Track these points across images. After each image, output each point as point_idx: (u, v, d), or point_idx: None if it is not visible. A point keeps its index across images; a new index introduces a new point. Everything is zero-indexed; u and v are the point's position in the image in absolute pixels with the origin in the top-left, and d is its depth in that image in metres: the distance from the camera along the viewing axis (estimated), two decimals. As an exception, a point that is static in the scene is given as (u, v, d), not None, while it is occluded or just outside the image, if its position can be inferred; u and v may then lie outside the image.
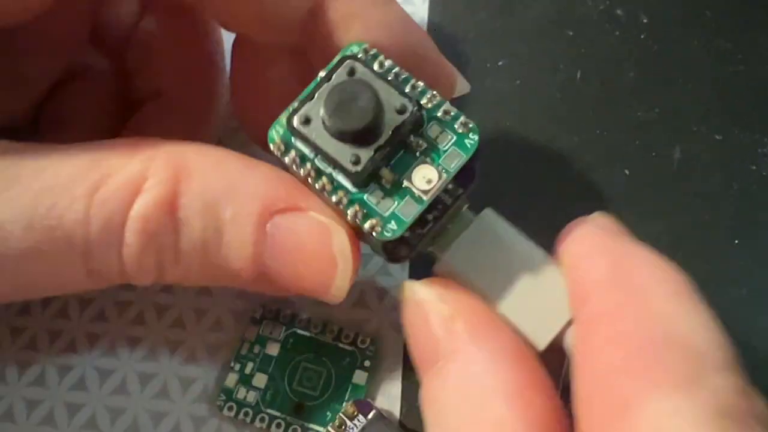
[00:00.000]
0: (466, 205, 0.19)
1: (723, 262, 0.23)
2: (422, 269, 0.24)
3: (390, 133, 0.17)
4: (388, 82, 0.18)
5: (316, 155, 0.17)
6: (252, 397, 0.22)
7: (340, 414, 0.21)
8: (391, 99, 0.17)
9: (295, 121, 0.17)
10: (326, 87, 0.17)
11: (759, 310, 0.23)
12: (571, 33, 0.27)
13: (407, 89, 0.18)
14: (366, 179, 0.17)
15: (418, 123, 0.17)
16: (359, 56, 0.18)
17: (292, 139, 0.18)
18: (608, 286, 0.15)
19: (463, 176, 0.17)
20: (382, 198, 0.17)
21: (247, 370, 0.22)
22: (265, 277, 0.18)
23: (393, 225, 0.17)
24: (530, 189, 0.23)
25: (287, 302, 0.23)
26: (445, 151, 0.17)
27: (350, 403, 0.21)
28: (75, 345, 0.23)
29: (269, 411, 0.21)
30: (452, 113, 0.18)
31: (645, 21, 0.27)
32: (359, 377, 0.22)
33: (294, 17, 0.19)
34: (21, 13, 0.18)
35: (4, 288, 0.18)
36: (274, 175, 0.18)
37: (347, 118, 0.17)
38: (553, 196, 0.24)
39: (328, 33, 0.19)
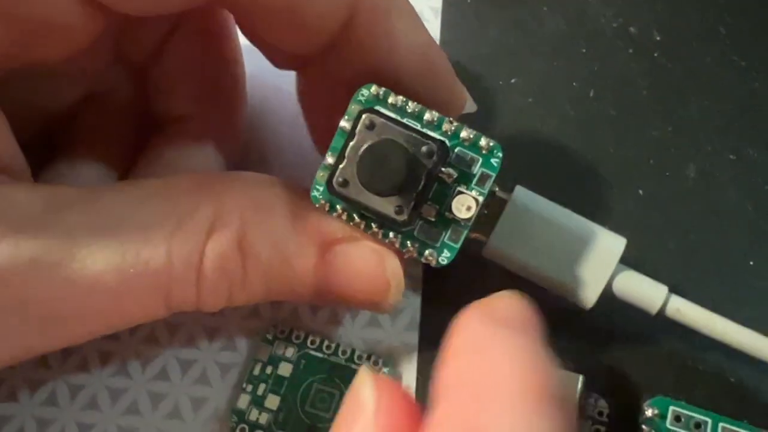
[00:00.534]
0: (497, 188, 0.20)
1: (737, 283, 0.23)
2: (434, 287, 0.24)
3: (424, 178, 0.18)
4: (410, 128, 0.18)
5: (359, 209, 0.19)
6: (264, 418, 0.22)
7: (354, 437, 0.20)
8: (417, 145, 0.18)
9: (335, 185, 0.18)
10: (354, 145, 0.18)
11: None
12: (584, 50, 0.27)
13: (426, 124, 0.19)
14: (412, 221, 0.19)
15: (445, 156, 0.18)
16: (372, 102, 0.19)
17: (334, 198, 0.19)
18: (454, 392, 0.15)
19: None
20: (430, 231, 0.19)
21: (260, 392, 0.22)
22: (323, 297, 0.20)
23: (446, 253, 0.19)
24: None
25: (300, 322, 0.23)
26: (475, 175, 0.19)
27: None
28: (87, 364, 0.23)
29: (282, 433, 0.21)
30: (472, 136, 0.19)
31: (658, 38, 0.27)
32: (372, 399, 0.22)
33: (326, 31, 0.19)
34: (60, 55, 0.19)
35: (98, 327, 0.19)
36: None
37: (383, 181, 0.18)
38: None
39: (355, 49, 0.19)
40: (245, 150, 0.25)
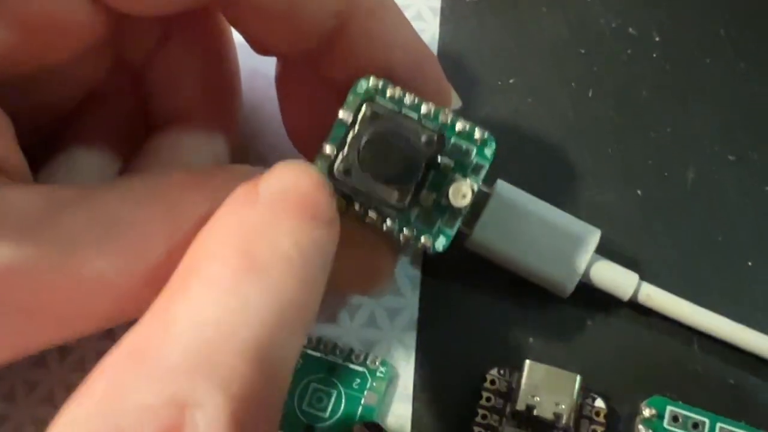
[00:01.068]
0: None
1: (736, 284, 0.23)
2: (432, 287, 0.24)
3: (424, 166, 0.19)
4: (409, 118, 0.19)
5: (358, 196, 0.19)
6: None
7: (351, 436, 0.21)
8: (418, 134, 0.19)
9: (337, 173, 0.19)
10: (356, 134, 0.19)
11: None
12: (583, 51, 0.27)
13: (424, 116, 0.19)
14: (409, 206, 0.19)
15: (441, 144, 0.19)
16: (372, 93, 0.19)
17: (333, 185, 0.19)
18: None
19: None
20: (426, 218, 0.19)
21: None
22: None
23: (442, 239, 0.19)
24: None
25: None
26: (470, 164, 0.19)
27: (360, 424, 0.21)
28: (84, 364, 0.23)
29: (279, 432, 0.21)
30: (467, 128, 0.19)
31: (657, 39, 0.27)
32: (370, 398, 0.22)
33: (320, 33, 0.20)
34: (65, 56, 0.19)
35: (99, 323, 0.19)
36: None
37: (387, 167, 0.18)
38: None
39: (349, 47, 0.20)
40: (242, 144, 0.25)
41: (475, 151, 0.19)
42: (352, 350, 0.22)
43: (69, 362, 0.23)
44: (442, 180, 0.19)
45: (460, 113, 0.20)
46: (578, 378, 0.21)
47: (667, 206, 0.24)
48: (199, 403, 0.14)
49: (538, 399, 0.21)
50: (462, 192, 0.19)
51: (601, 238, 0.22)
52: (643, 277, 0.23)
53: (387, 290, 0.22)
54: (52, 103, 0.22)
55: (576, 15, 0.28)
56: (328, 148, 0.19)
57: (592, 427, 0.21)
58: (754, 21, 0.27)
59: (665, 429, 0.21)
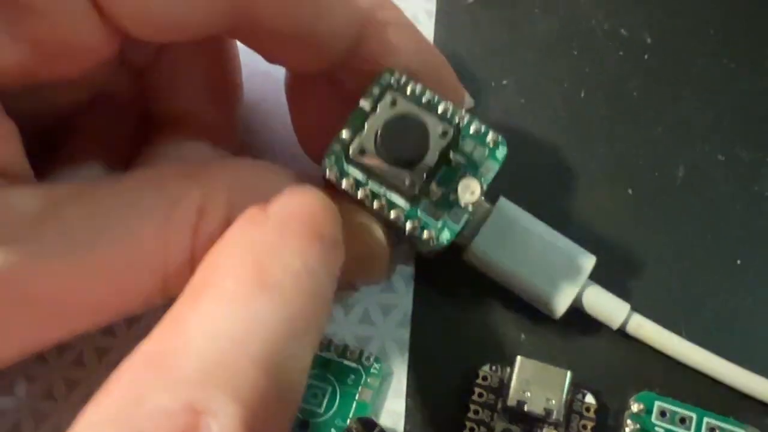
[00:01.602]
0: (483, 198, 0.21)
1: (724, 281, 0.24)
2: (425, 284, 0.24)
3: (437, 156, 0.19)
4: (429, 109, 0.20)
5: (369, 179, 0.20)
6: None
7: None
8: (435, 125, 0.19)
9: (352, 153, 0.19)
10: (375, 119, 0.19)
11: (759, 331, 0.23)
12: (575, 52, 0.27)
13: (441, 112, 0.20)
14: (419, 196, 0.20)
15: (456, 141, 0.20)
16: (393, 84, 0.20)
17: (347, 167, 0.20)
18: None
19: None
20: (434, 211, 0.20)
21: None
22: None
23: (446, 233, 0.20)
24: (533, 206, 0.23)
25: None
26: (482, 164, 0.20)
27: (354, 420, 0.21)
28: (83, 359, 0.24)
29: (274, 427, 0.22)
30: (482, 129, 0.20)
31: (649, 40, 0.27)
32: (364, 394, 0.22)
33: (338, 53, 0.20)
34: (76, 71, 0.20)
35: (101, 317, 0.19)
36: (312, 186, 0.20)
37: (403, 150, 0.19)
38: (556, 213, 0.24)
39: (366, 61, 0.20)
40: (241, 140, 0.26)
41: (487, 152, 0.20)
42: (346, 347, 0.23)
43: (67, 357, 0.24)
44: (452, 176, 0.20)
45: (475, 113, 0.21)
46: (569, 374, 0.21)
47: (658, 205, 0.25)
48: (214, 411, 0.14)
49: (529, 394, 0.21)
50: (471, 189, 0.20)
51: (592, 239, 0.23)
52: (632, 275, 0.23)
53: (383, 281, 0.22)
54: (56, 106, 0.23)
55: (568, 16, 0.28)
56: (345, 133, 0.20)
57: (582, 422, 0.21)
58: (744, 22, 0.27)
59: (653, 424, 0.21)
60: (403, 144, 0.19)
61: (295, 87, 0.24)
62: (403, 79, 0.20)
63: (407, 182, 0.19)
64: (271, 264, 0.16)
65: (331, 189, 0.20)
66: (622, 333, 0.23)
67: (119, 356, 0.23)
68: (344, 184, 0.20)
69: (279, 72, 0.23)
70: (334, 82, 0.22)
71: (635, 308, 0.22)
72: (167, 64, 0.24)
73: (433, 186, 0.20)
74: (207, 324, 0.15)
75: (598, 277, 0.22)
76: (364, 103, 0.20)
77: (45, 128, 0.23)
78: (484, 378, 0.22)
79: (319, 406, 0.22)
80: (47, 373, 0.23)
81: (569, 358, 0.23)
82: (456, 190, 0.20)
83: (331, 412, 0.22)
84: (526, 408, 0.21)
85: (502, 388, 0.22)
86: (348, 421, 0.21)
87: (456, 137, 0.20)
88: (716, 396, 0.22)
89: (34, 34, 0.17)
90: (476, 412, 0.22)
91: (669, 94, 0.26)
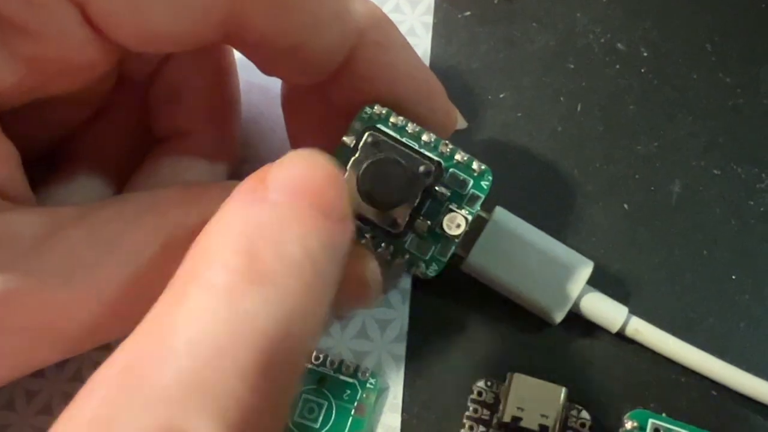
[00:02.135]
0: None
1: (720, 297, 0.24)
2: (422, 299, 0.24)
3: (420, 195, 0.20)
4: (410, 148, 0.20)
5: (358, 220, 0.20)
6: None
7: (341, 447, 0.21)
8: (416, 164, 0.20)
9: None
10: (357, 160, 0.20)
11: (756, 347, 0.23)
12: (572, 66, 0.27)
13: (424, 146, 0.20)
14: (405, 232, 0.20)
15: (440, 175, 0.20)
16: (375, 120, 0.20)
17: None
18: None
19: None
20: (420, 244, 0.20)
21: None
22: None
23: (434, 266, 0.20)
24: (530, 219, 0.23)
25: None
26: (466, 195, 0.20)
27: (350, 435, 0.21)
28: (82, 374, 0.24)
29: (271, 442, 0.22)
30: (465, 159, 0.20)
31: (645, 54, 0.27)
32: (360, 409, 0.22)
33: (330, 68, 0.20)
34: (74, 88, 0.20)
35: (102, 338, 0.19)
36: None
37: (384, 194, 0.19)
38: (552, 228, 0.24)
39: (359, 78, 0.20)
40: (241, 160, 0.26)
41: (472, 182, 0.20)
42: (342, 361, 0.23)
43: (67, 372, 0.24)
44: (438, 208, 0.20)
45: (459, 144, 0.20)
46: (563, 390, 0.21)
47: (653, 220, 0.25)
48: None
49: (524, 410, 0.21)
50: (456, 222, 0.20)
51: (588, 255, 0.23)
52: (629, 291, 0.23)
53: (377, 304, 0.23)
54: (55, 125, 0.23)
55: (565, 30, 0.28)
56: None
57: (577, 438, 0.22)
58: (740, 37, 0.27)
59: (647, 441, 0.21)
60: (383, 190, 0.19)
61: (290, 99, 0.24)
62: (384, 112, 0.20)
63: (391, 222, 0.20)
64: (264, 249, 0.14)
65: None
66: (619, 339, 0.23)
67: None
68: None
69: (276, 86, 0.24)
70: (329, 96, 0.22)
71: (630, 323, 0.23)
72: (167, 79, 0.24)
73: (419, 222, 0.20)
74: (188, 325, 0.14)
75: (594, 288, 0.23)
76: (347, 140, 0.20)
77: (45, 149, 0.23)
78: (480, 393, 0.22)
79: (315, 421, 0.22)
80: (46, 388, 0.24)
81: (564, 374, 0.23)
82: (442, 225, 0.20)
83: (327, 428, 0.22)
84: (521, 424, 0.21)
85: (497, 404, 0.22)
86: (344, 436, 0.22)
87: (439, 171, 0.20)
88: (713, 406, 0.22)
89: (30, 52, 0.17)
90: (471, 428, 0.22)
91: (665, 110, 0.27)
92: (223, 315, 0.14)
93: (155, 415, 0.13)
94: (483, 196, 0.20)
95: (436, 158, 0.20)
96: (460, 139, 0.22)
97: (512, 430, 0.21)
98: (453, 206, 0.20)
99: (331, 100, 0.21)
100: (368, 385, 0.23)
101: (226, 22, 0.18)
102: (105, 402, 0.13)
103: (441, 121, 0.21)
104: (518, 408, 0.21)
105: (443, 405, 0.23)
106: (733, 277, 0.24)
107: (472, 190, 0.20)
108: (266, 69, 0.21)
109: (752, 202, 0.25)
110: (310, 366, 0.23)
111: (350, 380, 0.23)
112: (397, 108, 0.20)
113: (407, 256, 0.20)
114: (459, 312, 0.24)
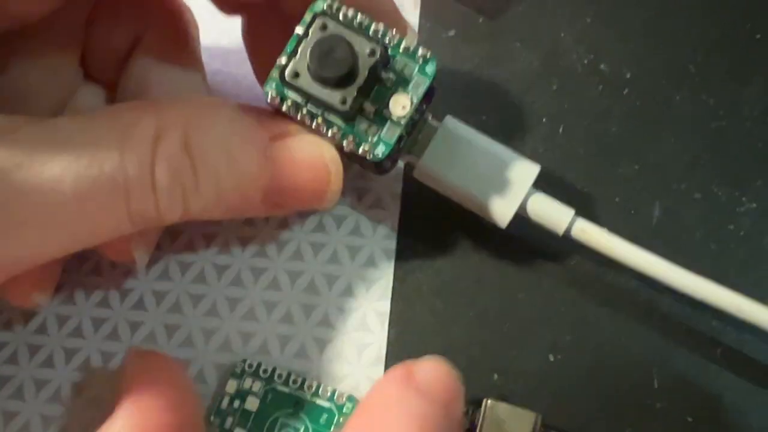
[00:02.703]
0: (430, 116, 0.23)
1: (698, 321, 0.24)
2: (399, 323, 0.24)
3: (366, 73, 0.21)
4: (357, 31, 0.21)
5: (307, 101, 0.21)
6: None
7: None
8: (362, 45, 0.21)
9: (287, 76, 0.21)
10: (307, 43, 0.21)
11: (733, 370, 0.23)
12: (555, 87, 0.27)
13: (371, 33, 0.21)
14: (353, 114, 0.21)
15: (386, 60, 0.21)
16: (326, 11, 0.21)
17: (285, 90, 0.21)
18: None
19: (425, 96, 0.22)
20: (368, 127, 0.21)
21: (227, 425, 0.23)
22: (271, 197, 0.22)
23: (381, 147, 0.21)
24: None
25: (269, 356, 0.24)
26: (412, 80, 0.21)
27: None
28: (81, 330, 0.24)
29: (247, 466, 0.22)
30: (411, 47, 0.22)
31: (628, 76, 0.27)
32: (336, 434, 0.22)
33: None
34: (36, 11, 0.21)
35: (64, 237, 0.20)
36: (267, 112, 0.22)
37: (331, 68, 0.21)
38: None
39: None
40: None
41: (417, 68, 0.21)
42: (319, 385, 0.23)
43: (74, 362, 0.25)
44: (385, 94, 0.21)
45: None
46: (538, 416, 0.21)
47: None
48: None
49: (500, 437, 0.21)
50: (402, 104, 0.21)
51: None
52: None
53: (335, 203, 0.23)
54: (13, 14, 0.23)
55: (549, 51, 0.28)
56: (282, 59, 0.21)
57: (551, 465, 0.22)
58: (723, 59, 0.27)
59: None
60: (330, 63, 0.20)
61: (250, 31, 0.25)
62: (336, 5, 0.21)
63: (338, 99, 0.21)
64: None
65: (277, 115, 0.22)
66: (568, 240, 0.23)
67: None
68: (284, 107, 0.21)
69: (250, 78, 0.26)
70: (284, 16, 0.23)
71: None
72: (135, 72, 0.25)
73: (367, 104, 0.21)
74: None
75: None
76: (299, 30, 0.21)
77: None
78: (455, 419, 0.22)
79: None
80: (55, 377, 0.24)
81: (541, 399, 0.23)
82: (388, 106, 0.21)
83: (303, 452, 0.22)
84: (496, 451, 0.21)
85: (473, 429, 0.22)
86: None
87: (384, 55, 0.21)
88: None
89: None
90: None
91: (647, 131, 0.26)
92: None
93: None
94: (427, 81, 0.21)
95: (382, 43, 0.21)
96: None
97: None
98: (399, 90, 0.21)
99: (287, 14, 0.22)
100: (345, 410, 0.23)
101: None
102: None
103: (387, 19, 0.22)
104: (493, 435, 0.21)
105: (419, 430, 0.23)
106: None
107: (418, 75, 0.21)
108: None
109: (732, 226, 0.25)
110: (287, 390, 0.23)
111: (327, 405, 0.23)
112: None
113: (356, 138, 0.21)
114: (436, 335, 0.24)
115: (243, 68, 0.27)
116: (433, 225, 0.26)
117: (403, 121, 0.21)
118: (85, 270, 0.26)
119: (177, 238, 0.26)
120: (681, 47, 0.27)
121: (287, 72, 0.21)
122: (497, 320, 0.24)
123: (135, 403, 0.20)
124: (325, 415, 0.23)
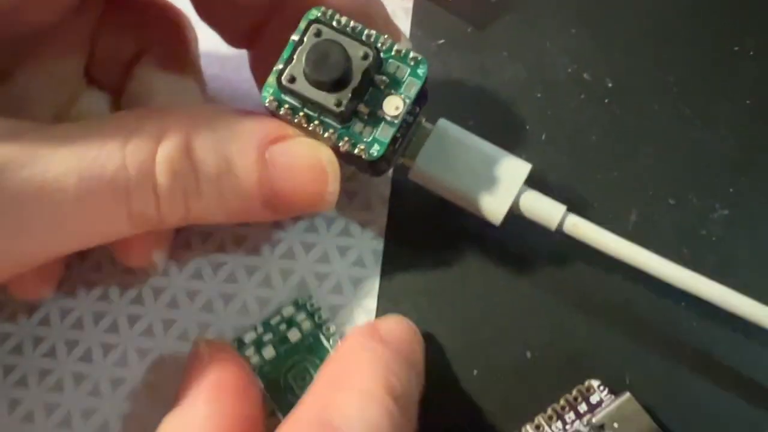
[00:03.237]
0: (424, 119, 0.24)
1: (672, 326, 0.25)
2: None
3: (360, 76, 0.22)
4: (349, 36, 0.22)
5: (304, 105, 0.22)
6: (255, 360, 0.24)
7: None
8: (355, 49, 0.22)
9: (284, 81, 0.22)
10: (302, 49, 0.22)
11: (706, 375, 0.24)
12: (539, 95, 0.28)
13: (364, 38, 0.22)
14: (348, 116, 0.22)
15: (379, 64, 0.22)
16: (320, 18, 0.22)
17: (283, 95, 0.22)
18: (320, 382, 0.21)
19: (418, 98, 0.23)
20: (363, 128, 0.22)
21: (265, 339, 0.25)
22: (270, 200, 0.22)
23: (376, 147, 0.22)
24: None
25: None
26: (404, 81, 0.22)
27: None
28: (83, 323, 0.25)
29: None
30: (403, 51, 0.22)
31: (610, 85, 0.28)
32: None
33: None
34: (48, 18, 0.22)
35: (65, 237, 0.21)
36: (265, 117, 0.23)
37: (326, 72, 0.21)
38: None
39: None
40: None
41: (408, 71, 0.22)
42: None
43: (76, 353, 0.26)
44: (379, 95, 0.22)
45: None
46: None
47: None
48: None
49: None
50: (395, 104, 0.22)
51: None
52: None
53: (333, 204, 0.23)
54: (21, 27, 0.24)
55: (535, 60, 0.29)
56: (279, 65, 0.22)
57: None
58: (702, 71, 0.28)
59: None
60: (325, 68, 0.21)
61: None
62: (330, 13, 0.22)
63: (333, 102, 0.21)
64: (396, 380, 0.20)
65: (275, 119, 0.23)
66: (560, 235, 0.24)
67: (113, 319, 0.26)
68: (282, 111, 0.22)
69: (247, 83, 0.27)
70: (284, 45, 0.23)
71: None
72: (139, 83, 0.26)
73: (362, 107, 0.22)
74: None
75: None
76: (294, 37, 0.22)
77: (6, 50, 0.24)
78: None
79: (302, 389, 0.24)
80: (58, 368, 0.25)
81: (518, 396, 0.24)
82: (382, 108, 0.22)
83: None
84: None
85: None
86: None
87: (377, 59, 0.22)
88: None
89: None
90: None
91: (627, 139, 0.27)
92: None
93: None
94: (419, 83, 0.22)
95: (374, 47, 0.22)
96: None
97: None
98: (392, 92, 0.22)
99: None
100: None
101: None
102: None
103: (380, 27, 0.23)
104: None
105: None
106: (683, 303, 0.25)
107: (409, 77, 0.22)
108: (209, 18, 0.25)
109: (704, 232, 0.26)
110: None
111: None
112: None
113: (351, 139, 0.22)
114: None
115: (240, 74, 0.28)
116: (419, 227, 0.27)
117: (396, 121, 0.22)
118: (86, 266, 0.27)
119: (174, 237, 0.27)
120: (661, 59, 0.29)
121: (284, 77, 0.22)
122: (480, 320, 0.25)
123: (215, 391, 0.21)
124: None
